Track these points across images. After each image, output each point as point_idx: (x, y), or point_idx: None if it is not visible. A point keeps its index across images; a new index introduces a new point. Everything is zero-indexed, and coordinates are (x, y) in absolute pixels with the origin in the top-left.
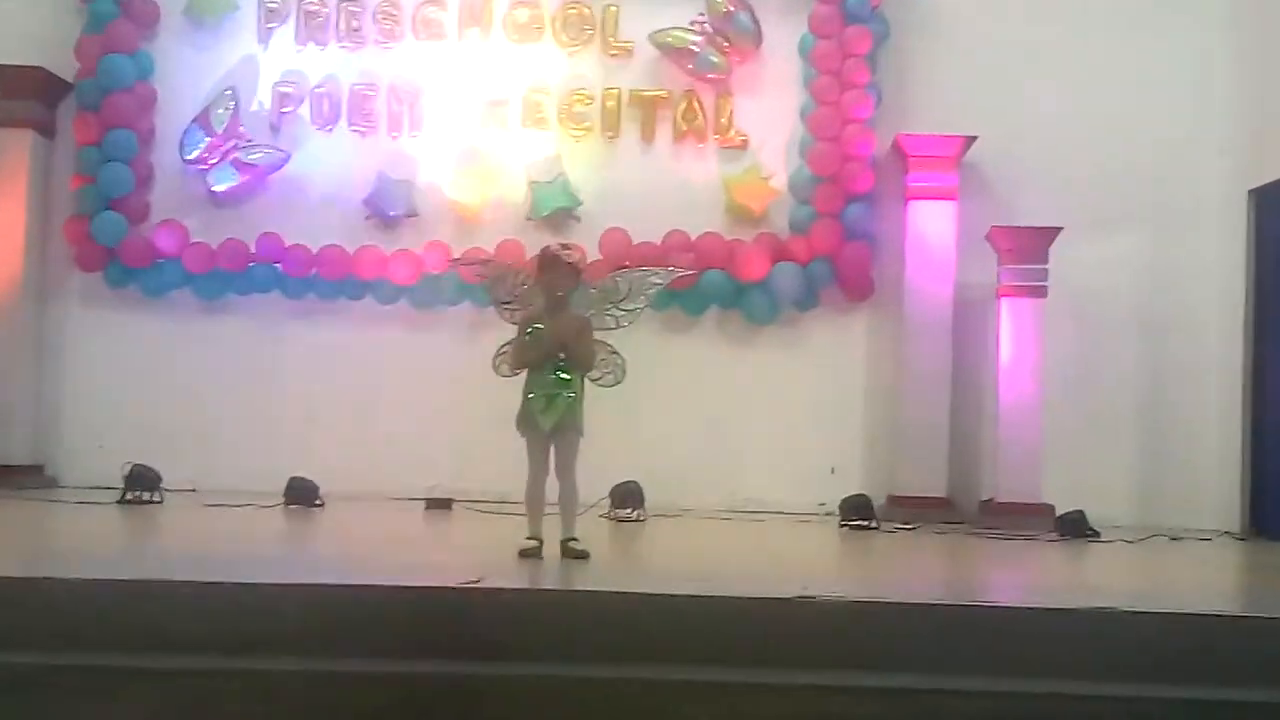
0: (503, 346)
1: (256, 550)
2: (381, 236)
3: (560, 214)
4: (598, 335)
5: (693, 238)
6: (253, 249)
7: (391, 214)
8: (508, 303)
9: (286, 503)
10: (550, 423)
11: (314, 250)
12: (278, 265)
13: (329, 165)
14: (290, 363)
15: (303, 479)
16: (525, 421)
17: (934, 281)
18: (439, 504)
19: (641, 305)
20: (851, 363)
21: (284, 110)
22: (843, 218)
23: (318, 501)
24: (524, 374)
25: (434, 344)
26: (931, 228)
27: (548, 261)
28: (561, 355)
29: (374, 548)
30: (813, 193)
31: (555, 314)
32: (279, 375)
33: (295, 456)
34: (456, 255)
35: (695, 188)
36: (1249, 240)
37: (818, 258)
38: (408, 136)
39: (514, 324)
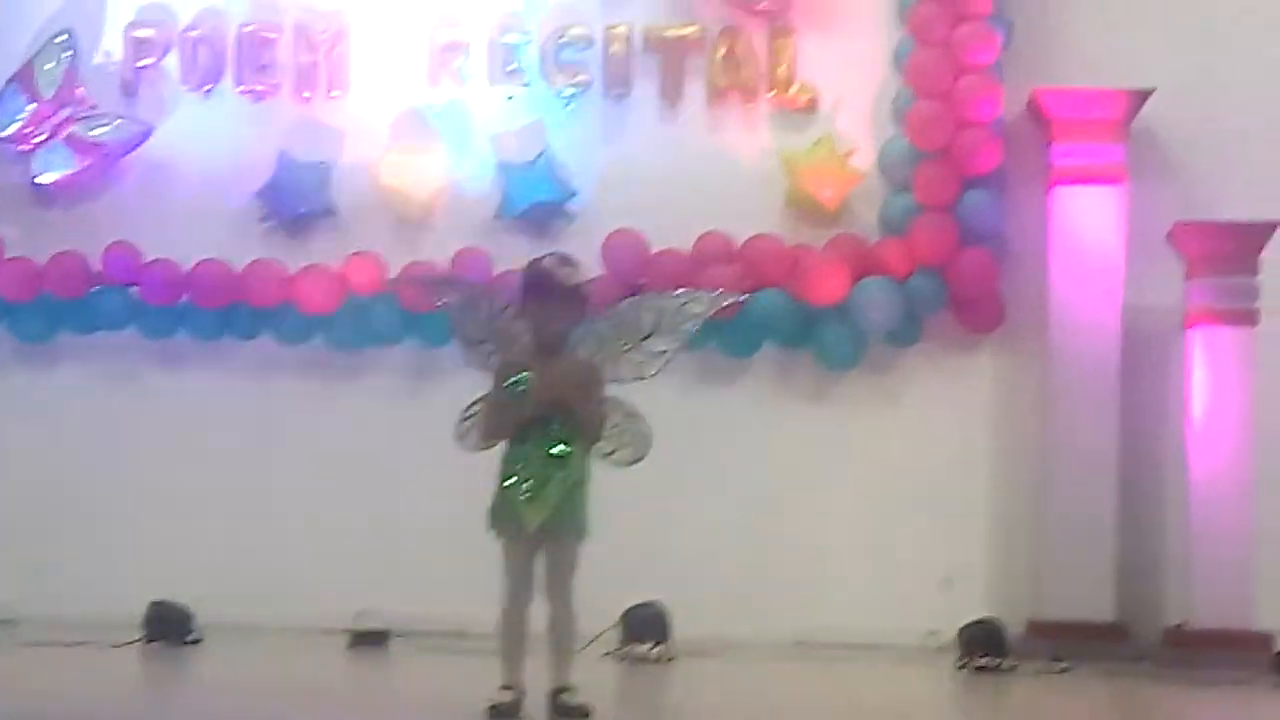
0: (471, 406)
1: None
2: (285, 246)
3: (545, 210)
4: (609, 389)
5: (739, 243)
6: (97, 267)
7: (300, 212)
8: (479, 341)
9: (146, 638)
10: (539, 518)
11: (185, 268)
12: (133, 290)
13: (208, 143)
14: (151, 431)
15: (169, 604)
16: (502, 517)
17: (1093, 304)
18: (369, 638)
19: (673, 347)
20: (972, 424)
21: (142, 64)
22: (958, 211)
23: (191, 636)
24: (501, 446)
25: (364, 403)
26: (1088, 224)
27: (536, 281)
28: (557, 419)
29: (271, 706)
30: (913, 175)
31: (548, 358)
32: (135, 450)
33: (159, 571)
34: (396, 271)
35: (741, 170)
36: None
37: (922, 270)
38: (324, 99)
39: (487, 372)
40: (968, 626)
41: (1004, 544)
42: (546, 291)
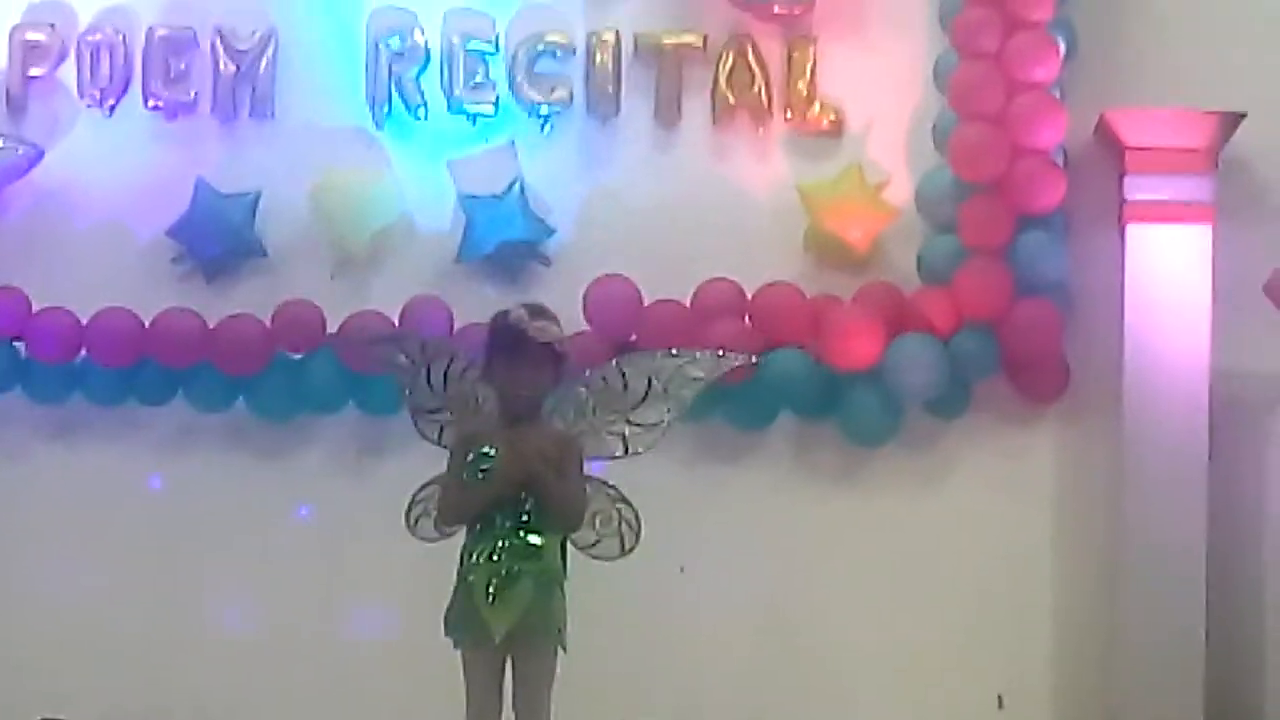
0: (424, 487)
1: None
2: (203, 294)
3: (516, 251)
4: (590, 468)
5: (750, 293)
6: None
7: (220, 252)
8: (434, 409)
9: None
10: (507, 624)
11: (83, 318)
12: (18, 345)
13: (111, 170)
14: (39, 516)
15: None
16: (462, 621)
17: (1175, 367)
18: None
19: (670, 417)
20: (1030, 511)
21: (32, 73)
22: (1012, 256)
23: None
24: (461, 535)
25: (296, 481)
26: (1168, 271)
27: (504, 337)
28: (528, 502)
29: None
30: (958, 213)
31: (517, 429)
32: (18, 539)
33: (48, 686)
34: (336, 324)
35: (753, 204)
36: None
37: (969, 326)
38: (247, 119)
39: (443, 447)
40: None
41: (1070, 657)
42: (516, 349)
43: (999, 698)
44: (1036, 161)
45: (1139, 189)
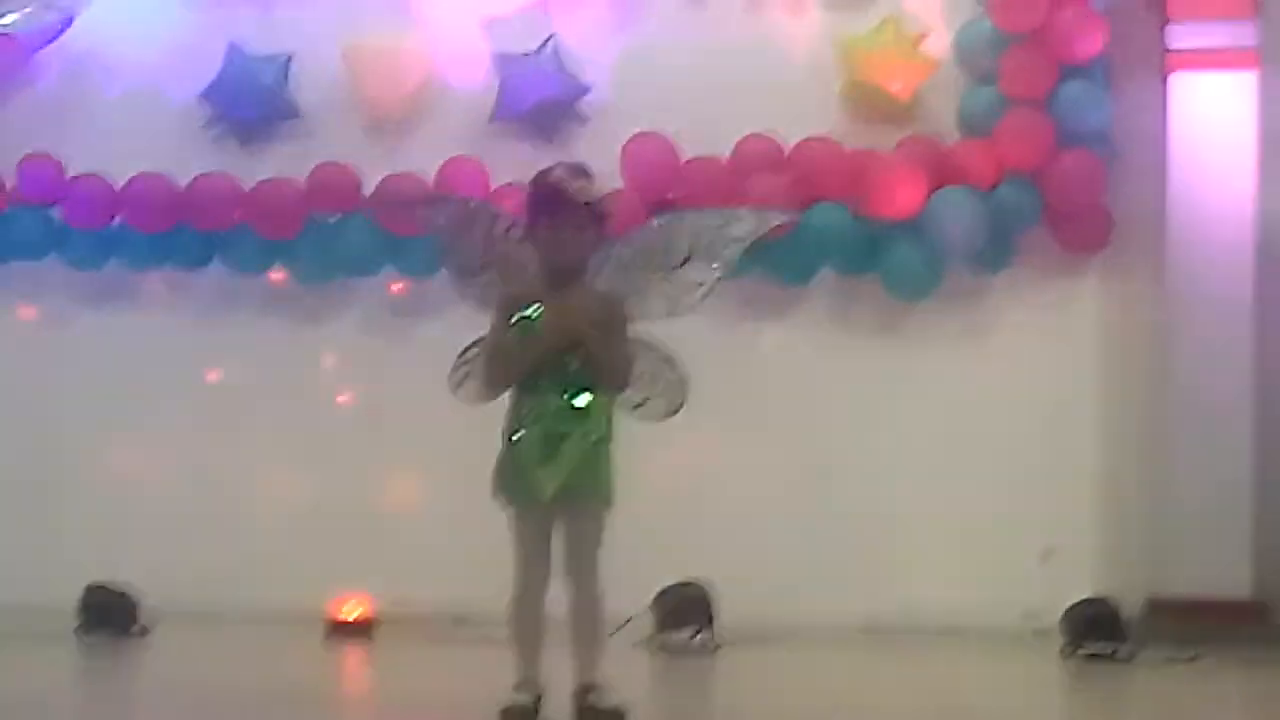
0: (468, 349)
1: None
2: (237, 157)
3: (552, 110)
4: (636, 327)
5: (788, 148)
6: (10, 183)
7: (254, 116)
8: (475, 271)
9: (83, 628)
10: (555, 483)
11: (118, 184)
12: (54, 211)
13: (142, 34)
14: (80, 382)
15: (109, 588)
16: (510, 481)
17: (1220, 216)
18: (351, 627)
19: (713, 276)
20: (1075, 364)
21: None
22: (1053, 106)
23: (136, 626)
24: (507, 397)
25: (336, 345)
26: (1213, 119)
27: (544, 197)
28: (573, 363)
29: (234, 709)
30: (999, 63)
31: (561, 291)
32: (61, 405)
33: (95, 550)
34: (372, 186)
35: (789, 59)
36: None
37: (1011, 178)
38: None
39: (487, 308)
40: (1074, 607)
41: (1116, 509)
42: (557, 210)
43: (1046, 549)
44: (1077, 10)
45: (1182, 36)
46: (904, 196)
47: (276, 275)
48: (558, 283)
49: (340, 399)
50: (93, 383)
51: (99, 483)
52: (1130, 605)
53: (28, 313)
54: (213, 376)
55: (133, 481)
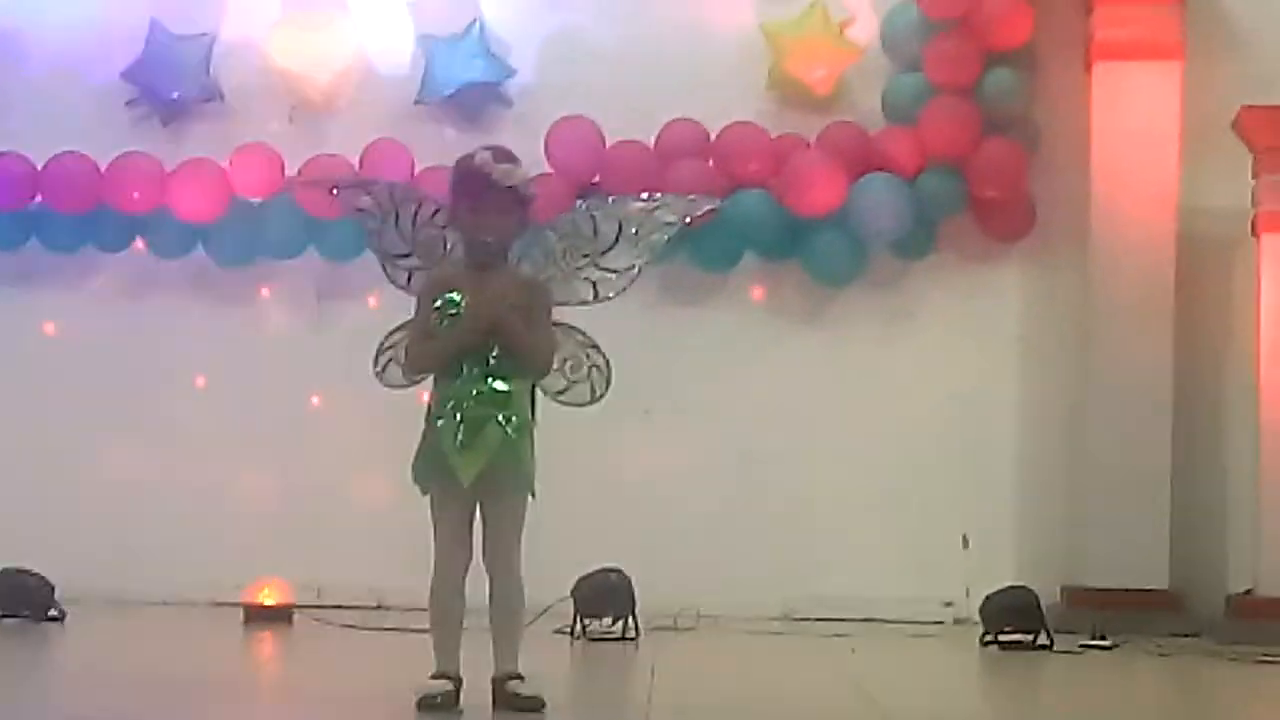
0: (392, 333)
1: None
2: (159, 138)
3: (477, 93)
4: (560, 314)
5: (714, 134)
6: None
7: (176, 96)
8: (398, 255)
9: None
10: (475, 469)
11: (37, 165)
12: None
13: (62, 12)
14: None
15: (25, 573)
16: (430, 467)
17: (1142, 205)
18: (268, 613)
19: (638, 262)
20: (997, 350)
21: None
22: (978, 94)
23: (52, 612)
24: (428, 382)
25: (256, 329)
26: (1137, 109)
27: (468, 180)
28: (495, 348)
29: (152, 695)
30: (924, 50)
31: (484, 275)
32: None
33: (10, 536)
34: (295, 169)
35: (715, 44)
36: None
37: (935, 165)
38: None
39: (410, 294)
40: (993, 595)
41: (1035, 497)
42: (480, 193)
43: (964, 537)
44: None
45: (1106, 25)
46: (822, 194)
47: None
48: (481, 266)
49: (260, 383)
50: (8, 365)
51: (12, 466)
52: (1047, 595)
53: None
54: (132, 359)
55: (47, 465)
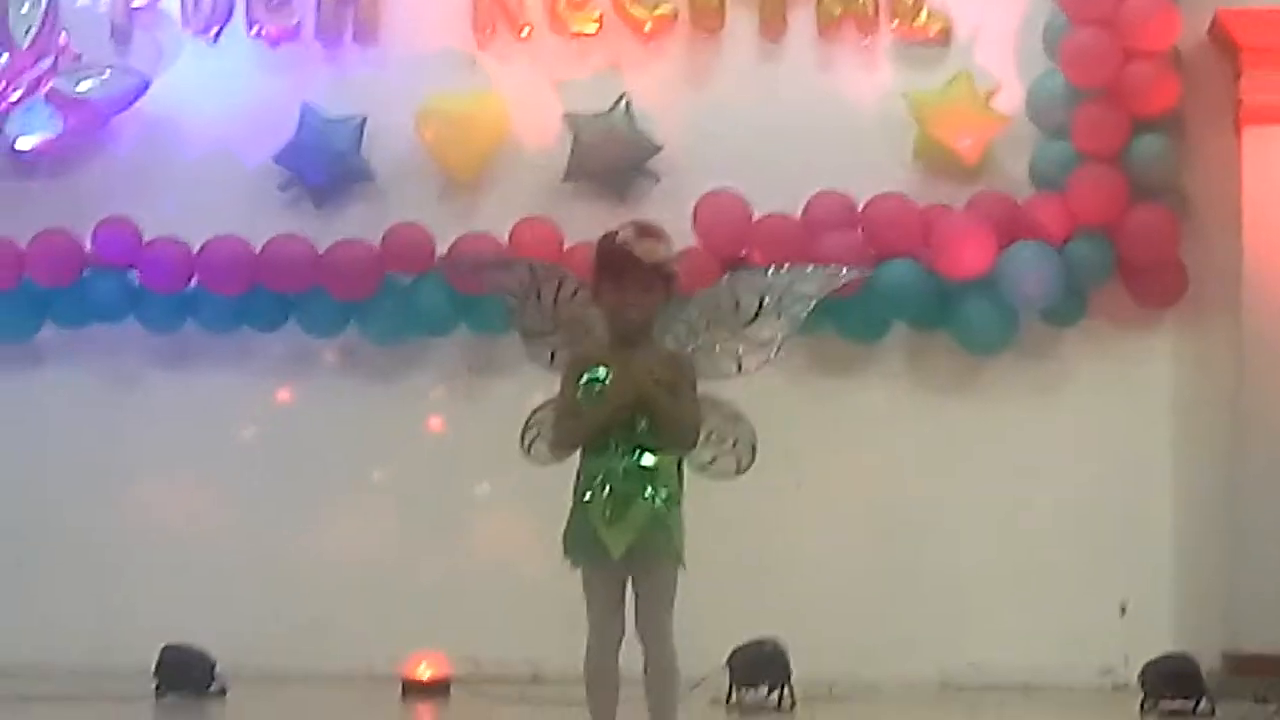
0: (537, 410)
1: None
2: (311, 219)
3: (622, 169)
4: (705, 386)
5: (860, 205)
6: (88, 247)
7: (328, 178)
8: (543, 332)
9: (160, 689)
10: (624, 542)
11: (193, 246)
12: (131, 274)
13: (217, 97)
14: (156, 443)
15: (186, 649)
16: (580, 542)
17: None
18: (427, 687)
19: (782, 333)
20: (1150, 418)
21: (136, 4)
22: (1126, 160)
23: (212, 686)
24: (576, 457)
25: (408, 406)
26: None
27: (613, 257)
28: (642, 423)
29: None
30: (1071, 118)
31: (628, 351)
32: (137, 466)
33: (172, 611)
34: (445, 247)
35: (860, 116)
36: None
37: (1084, 232)
38: (351, 43)
39: (554, 370)
40: (1152, 663)
41: (1193, 563)
42: (623, 271)
43: (1121, 606)
44: (1150, 64)
45: (1256, 89)
46: (972, 256)
47: (350, 335)
48: (625, 343)
49: (415, 458)
50: (168, 444)
51: (173, 542)
52: (1207, 661)
53: (104, 373)
54: (288, 437)
55: (208, 541)
